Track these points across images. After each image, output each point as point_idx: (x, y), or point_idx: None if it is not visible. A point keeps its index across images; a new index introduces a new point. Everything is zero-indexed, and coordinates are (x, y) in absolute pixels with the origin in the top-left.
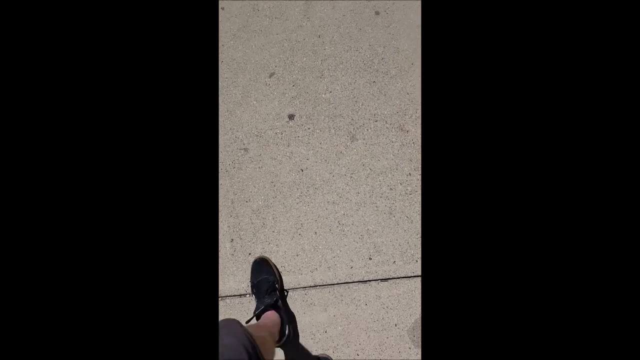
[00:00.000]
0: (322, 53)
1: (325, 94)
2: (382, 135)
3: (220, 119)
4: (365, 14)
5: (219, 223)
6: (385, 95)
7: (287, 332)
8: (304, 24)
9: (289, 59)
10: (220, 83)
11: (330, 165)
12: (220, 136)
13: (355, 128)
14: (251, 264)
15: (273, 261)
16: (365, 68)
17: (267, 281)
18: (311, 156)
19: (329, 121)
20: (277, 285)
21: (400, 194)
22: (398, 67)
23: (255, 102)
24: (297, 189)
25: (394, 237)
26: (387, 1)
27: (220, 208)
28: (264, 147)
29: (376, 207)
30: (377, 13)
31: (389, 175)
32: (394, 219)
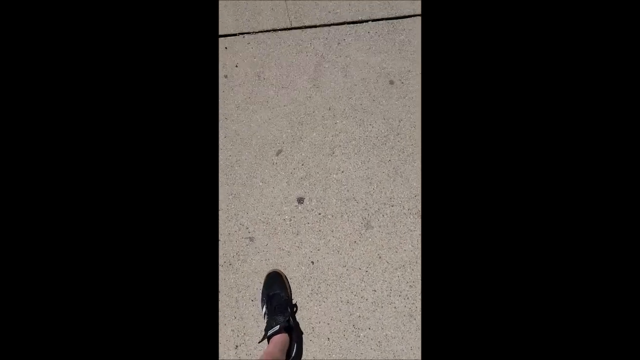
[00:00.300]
0: (333, 128)
1: (336, 174)
2: (399, 222)
3: (223, 204)
4: (378, 83)
5: (221, 326)
6: (401, 176)
7: (293, 353)
8: (313, 94)
9: (297, 134)
10: (222, 162)
11: (344, 257)
12: (223, 223)
13: (370, 214)
14: (264, 276)
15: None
16: (379, 145)
17: (279, 297)
18: (322, 246)
19: (341, 205)
20: (287, 302)
21: (421, 293)
22: (415, 143)
23: (261, 184)
24: (308, 285)
25: (415, 344)
26: (402, 69)
27: (222, 309)
28: (271, 235)
29: (395, 307)
30: (391, 82)
31: (408, 270)
32: (414, 322)
